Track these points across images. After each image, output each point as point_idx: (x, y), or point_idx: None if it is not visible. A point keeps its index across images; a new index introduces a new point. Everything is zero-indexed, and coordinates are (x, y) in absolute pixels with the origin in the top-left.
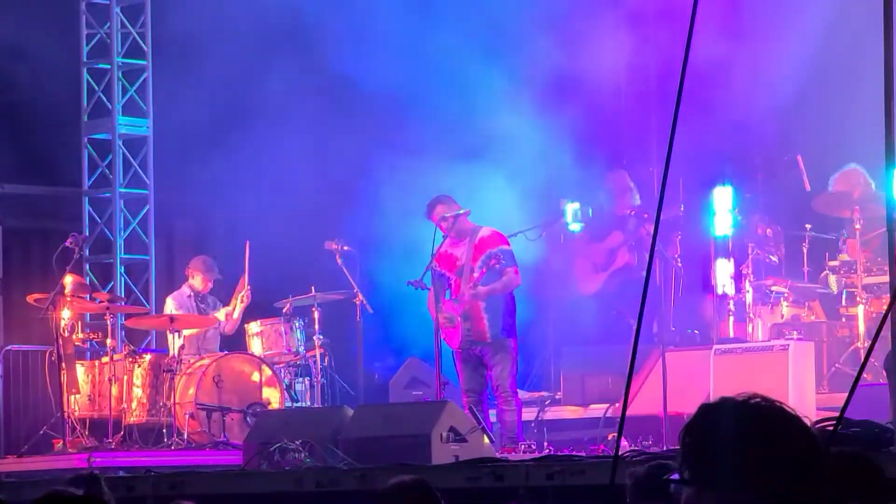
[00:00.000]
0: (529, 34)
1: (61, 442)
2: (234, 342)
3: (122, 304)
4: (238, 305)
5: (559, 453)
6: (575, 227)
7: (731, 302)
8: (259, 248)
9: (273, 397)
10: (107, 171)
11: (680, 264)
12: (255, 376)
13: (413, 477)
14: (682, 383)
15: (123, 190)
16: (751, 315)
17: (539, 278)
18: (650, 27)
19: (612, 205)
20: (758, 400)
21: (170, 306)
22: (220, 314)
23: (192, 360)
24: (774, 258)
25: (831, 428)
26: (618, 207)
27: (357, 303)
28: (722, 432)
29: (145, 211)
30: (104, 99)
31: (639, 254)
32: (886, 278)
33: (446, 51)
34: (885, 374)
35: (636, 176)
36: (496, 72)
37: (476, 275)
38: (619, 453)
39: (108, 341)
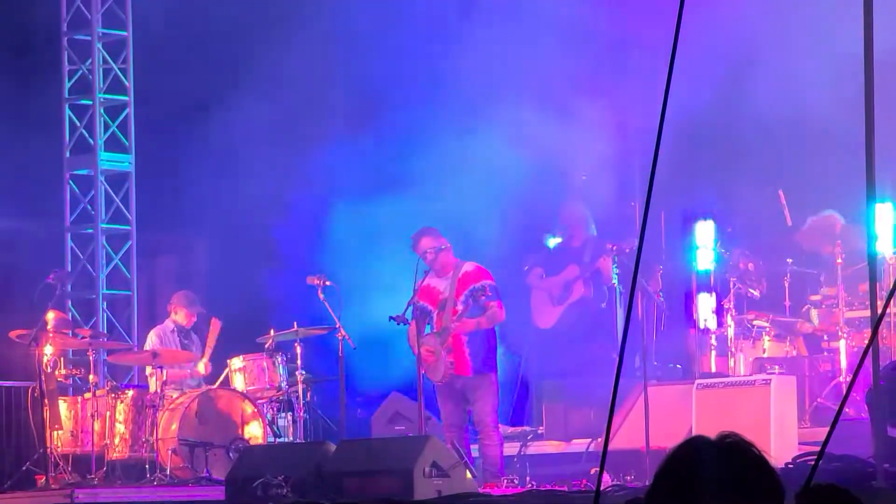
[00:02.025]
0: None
1: (44, 478)
2: (217, 377)
3: (105, 339)
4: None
5: (542, 488)
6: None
7: (713, 336)
8: (242, 283)
9: (256, 433)
10: (89, 206)
11: (662, 298)
12: (238, 412)
13: None
14: (664, 418)
15: (105, 226)
16: (733, 349)
17: (519, 312)
18: (632, 58)
19: (568, 236)
20: (731, 440)
21: (152, 341)
22: (200, 366)
23: (174, 396)
24: (756, 292)
25: (812, 462)
26: (574, 239)
27: (339, 338)
28: (699, 474)
29: (127, 247)
30: (86, 135)
31: (595, 286)
32: (867, 312)
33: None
34: (866, 408)
35: (619, 210)
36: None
37: (460, 308)
38: (602, 488)
39: (91, 377)
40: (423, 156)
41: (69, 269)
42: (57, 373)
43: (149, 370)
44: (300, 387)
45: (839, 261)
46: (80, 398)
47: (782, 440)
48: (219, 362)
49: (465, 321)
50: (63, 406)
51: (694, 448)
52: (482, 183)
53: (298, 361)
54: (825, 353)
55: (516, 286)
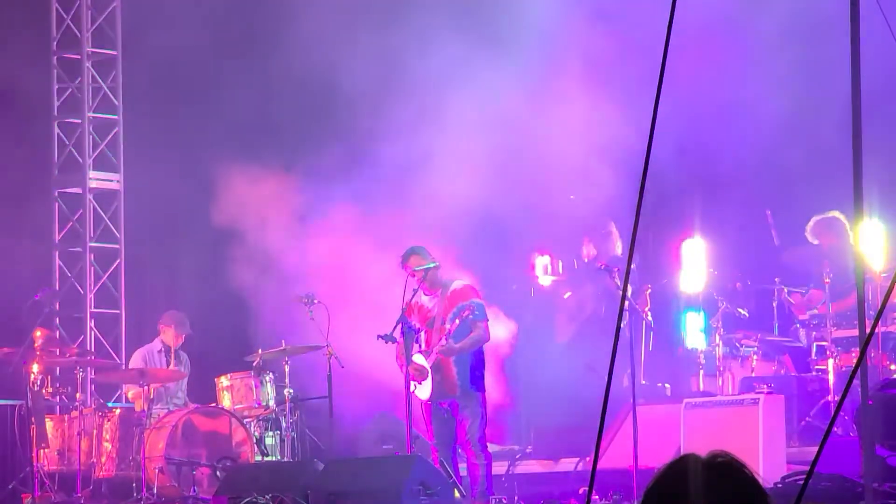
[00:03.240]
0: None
1: (30, 497)
2: (204, 395)
3: (92, 358)
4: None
5: None
6: (545, 280)
7: (702, 356)
8: (229, 301)
9: (243, 451)
10: (77, 225)
11: (650, 318)
12: (225, 430)
13: None
14: (652, 437)
15: (94, 244)
16: (721, 369)
17: (508, 332)
18: (620, 80)
19: (594, 253)
20: (722, 459)
21: (136, 361)
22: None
23: (161, 414)
24: (744, 312)
25: (801, 482)
26: (597, 257)
27: (327, 356)
28: (688, 492)
29: (116, 265)
30: (75, 153)
31: (607, 305)
32: (856, 332)
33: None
34: (855, 427)
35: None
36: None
37: (448, 327)
38: None
39: (78, 395)
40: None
41: (57, 287)
42: (44, 391)
43: (131, 393)
44: (288, 405)
45: (827, 280)
46: (66, 416)
47: (771, 459)
48: (206, 381)
49: (450, 347)
50: (50, 424)
51: (684, 466)
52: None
53: (286, 379)
54: (814, 373)
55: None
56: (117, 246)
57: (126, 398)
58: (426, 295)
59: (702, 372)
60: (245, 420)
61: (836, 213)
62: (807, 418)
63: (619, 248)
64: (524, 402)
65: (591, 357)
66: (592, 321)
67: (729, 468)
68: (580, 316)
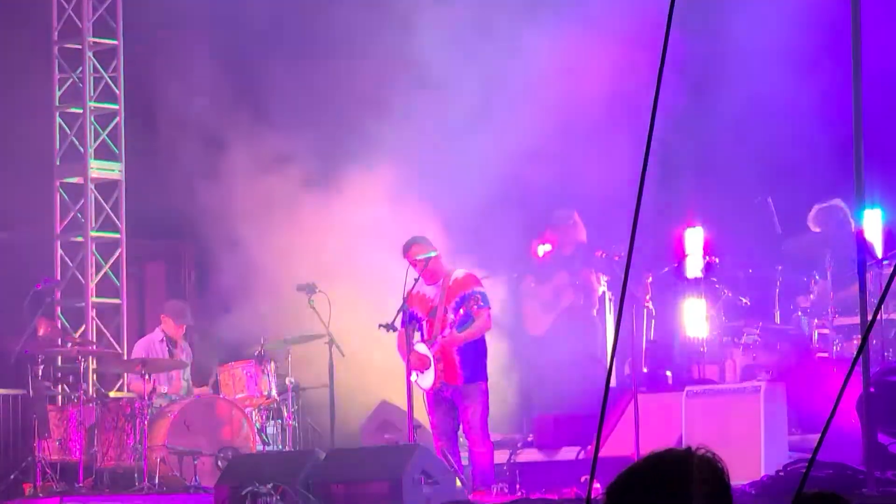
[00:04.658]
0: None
1: (32, 486)
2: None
3: (94, 347)
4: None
5: (532, 496)
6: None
7: (703, 344)
8: (232, 291)
9: (244, 440)
10: (79, 214)
11: (651, 306)
12: (227, 419)
13: None
14: (654, 425)
15: (95, 234)
16: (722, 357)
17: (509, 318)
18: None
19: (559, 244)
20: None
21: (137, 351)
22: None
23: (162, 404)
24: (746, 300)
25: (804, 469)
26: (564, 247)
27: (329, 345)
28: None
29: (117, 255)
30: (76, 143)
31: (585, 294)
32: (857, 319)
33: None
34: (856, 416)
35: (612, 216)
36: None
37: (452, 317)
38: (592, 496)
39: (80, 385)
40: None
41: (58, 277)
42: (46, 381)
43: (132, 385)
44: (289, 394)
45: (829, 268)
46: (68, 406)
47: (772, 447)
48: (207, 370)
49: (454, 336)
50: (51, 414)
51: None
52: (477, 188)
53: (288, 369)
54: (815, 361)
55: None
56: (118, 236)
57: (128, 388)
58: (427, 284)
59: (703, 360)
60: (246, 409)
61: (838, 202)
62: (808, 406)
63: (583, 236)
64: (524, 391)
65: (569, 348)
66: (570, 311)
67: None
68: (557, 306)
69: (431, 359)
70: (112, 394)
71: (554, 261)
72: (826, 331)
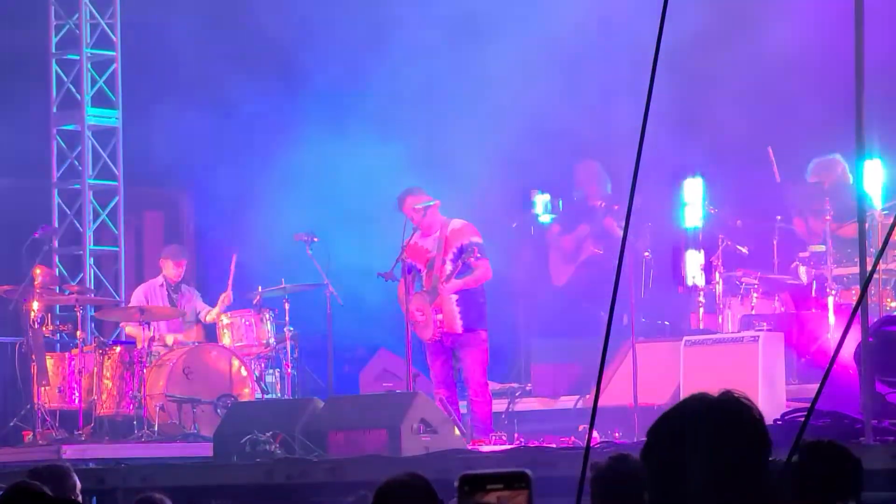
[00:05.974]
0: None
1: (31, 433)
2: (205, 334)
3: (92, 295)
4: (218, 308)
5: (530, 445)
6: (545, 218)
7: (702, 293)
8: (228, 238)
9: (243, 389)
10: (76, 162)
11: (650, 256)
12: (226, 368)
13: (411, 475)
14: (652, 375)
15: (93, 181)
16: (721, 306)
17: (509, 270)
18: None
19: (583, 195)
20: (727, 399)
21: (138, 297)
22: (202, 310)
23: (161, 352)
24: (744, 249)
25: (802, 419)
26: (588, 198)
27: (327, 294)
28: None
29: (115, 202)
30: (73, 90)
31: (605, 245)
32: (856, 269)
33: (415, 44)
34: (854, 365)
35: (609, 166)
36: (467, 62)
37: (450, 268)
38: (591, 445)
39: (78, 333)
40: (416, 105)
41: (56, 224)
42: (44, 329)
43: (128, 329)
44: (288, 343)
45: (828, 217)
46: (67, 354)
47: (770, 397)
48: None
49: (453, 282)
50: (50, 362)
51: (690, 406)
52: (473, 137)
53: (286, 317)
54: (813, 310)
55: (506, 243)
56: (116, 183)
57: (125, 334)
58: (424, 235)
59: (701, 309)
60: (245, 358)
61: (837, 156)
62: (806, 355)
63: (608, 188)
64: (524, 341)
65: (589, 298)
66: (591, 262)
67: (733, 411)
68: (577, 257)
69: (430, 308)
70: (111, 341)
71: (578, 211)
72: (825, 280)
